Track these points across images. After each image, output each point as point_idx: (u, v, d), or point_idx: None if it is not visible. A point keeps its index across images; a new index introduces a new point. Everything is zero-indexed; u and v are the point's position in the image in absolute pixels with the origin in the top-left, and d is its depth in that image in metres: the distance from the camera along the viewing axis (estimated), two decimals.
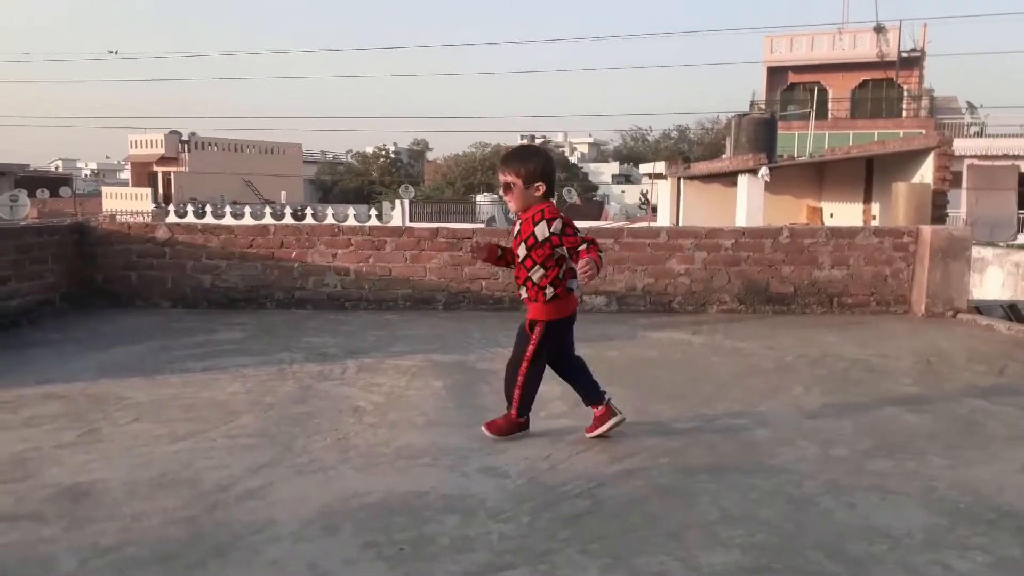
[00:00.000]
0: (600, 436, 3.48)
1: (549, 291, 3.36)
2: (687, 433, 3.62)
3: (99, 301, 6.96)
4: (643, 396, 4.23)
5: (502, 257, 3.55)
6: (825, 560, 2.42)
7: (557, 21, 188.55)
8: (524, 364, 3.43)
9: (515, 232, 3.44)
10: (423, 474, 3.10)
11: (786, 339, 5.83)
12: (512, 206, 3.41)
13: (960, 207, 22.63)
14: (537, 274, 3.35)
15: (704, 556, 2.44)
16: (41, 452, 3.29)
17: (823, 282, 7.04)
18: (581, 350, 5.47)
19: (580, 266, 3.16)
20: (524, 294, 3.43)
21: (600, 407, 3.52)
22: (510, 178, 3.35)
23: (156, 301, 7.03)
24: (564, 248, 3.30)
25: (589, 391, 3.56)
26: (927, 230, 7.09)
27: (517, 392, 3.47)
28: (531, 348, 3.41)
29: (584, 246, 3.25)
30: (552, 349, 3.48)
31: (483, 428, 3.51)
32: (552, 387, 4.38)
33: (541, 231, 3.30)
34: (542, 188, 3.36)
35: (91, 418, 3.76)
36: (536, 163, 3.38)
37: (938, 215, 12.55)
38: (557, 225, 3.29)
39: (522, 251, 3.37)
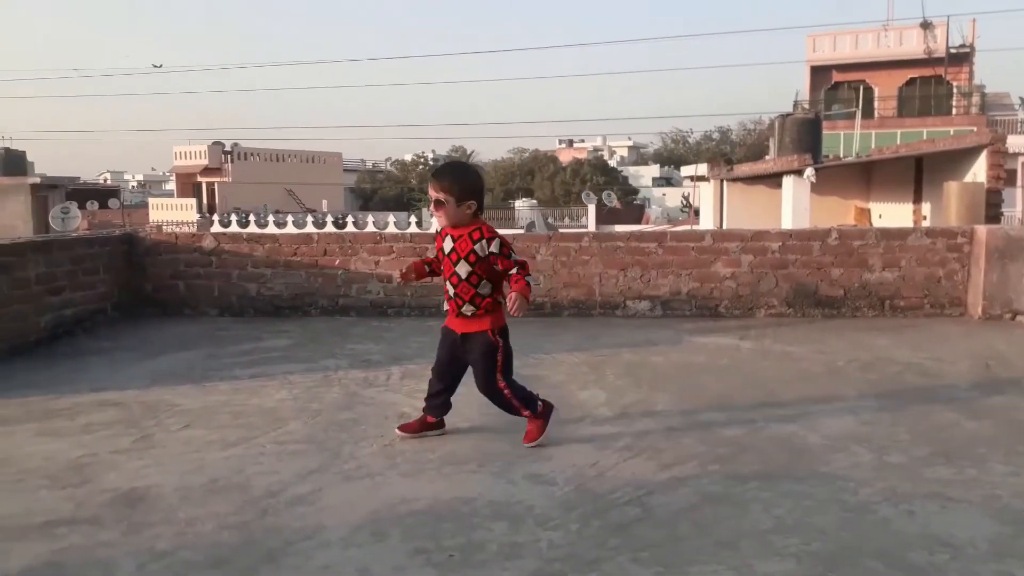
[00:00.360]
0: (410, 436, 3.59)
1: (495, 300, 3.44)
2: (737, 440, 3.56)
3: (148, 310, 7.12)
4: (691, 402, 4.17)
5: (431, 271, 3.62)
6: (885, 570, 2.35)
7: (595, 24, 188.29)
8: (499, 378, 3.46)
9: (447, 249, 3.42)
10: (469, 480, 3.09)
11: (837, 343, 5.70)
12: (442, 222, 3.41)
13: (1016, 206, 21.96)
14: (486, 288, 3.40)
15: (759, 565, 2.38)
16: (98, 458, 3.37)
17: (874, 284, 6.88)
18: (625, 355, 5.43)
19: (511, 302, 3.26)
20: (469, 311, 3.41)
21: (430, 417, 3.64)
22: (441, 196, 3.34)
23: (203, 309, 7.16)
24: (499, 267, 3.37)
25: (445, 403, 3.63)
26: (982, 230, 6.88)
27: (515, 402, 3.48)
28: (500, 358, 3.44)
29: (516, 270, 3.35)
30: (508, 350, 3.49)
31: (525, 444, 3.48)
32: (596, 393, 4.36)
33: (481, 248, 3.34)
34: (473, 206, 3.39)
35: (144, 425, 3.83)
36: (468, 180, 3.41)
37: (992, 214, 12.19)
38: (496, 245, 3.35)
39: (464, 269, 3.37)
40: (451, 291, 3.42)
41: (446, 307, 3.49)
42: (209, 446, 3.51)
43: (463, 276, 3.38)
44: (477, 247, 3.35)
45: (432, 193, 3.37)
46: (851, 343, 5.69)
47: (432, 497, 2.91)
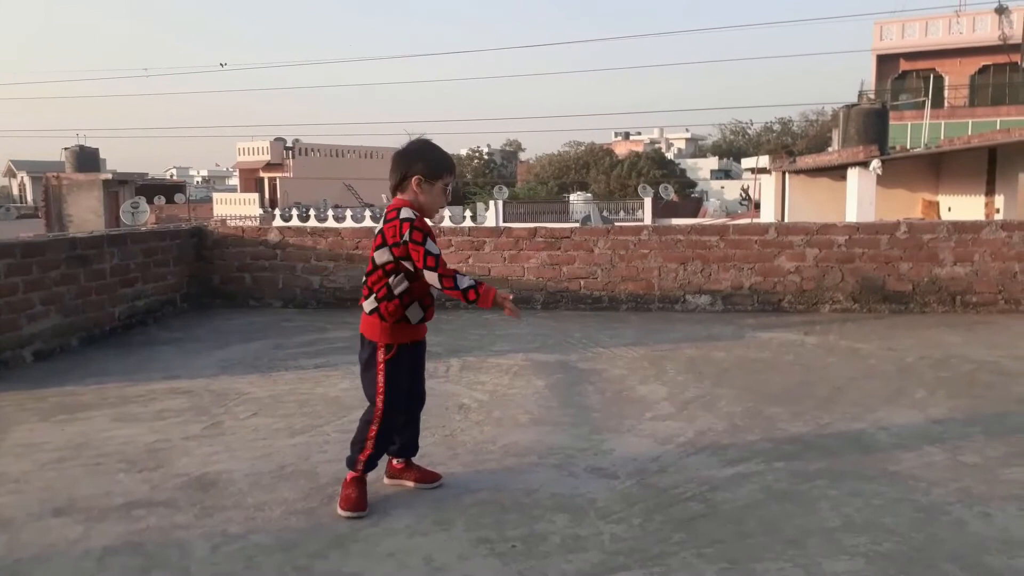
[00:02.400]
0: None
1: None
2: (802, 437, 3.49)
3: (216, 301, 7.32)
4: (755, 398, 4.10)
5: None
6: (961, 573, 2.28)
7: (652, 15, 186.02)
8: None
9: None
10: (531, 472, 3.10)
11: (906, 339, 5.53)
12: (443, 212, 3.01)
13: None
14: None
15: (827, 564, 2.34)
16: (171, 443, 3.49)
17: (945, 279, 6.65)
18: (686, 350, 5.39)
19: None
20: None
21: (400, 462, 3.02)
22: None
23: (268, 301, 7.33)
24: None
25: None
26: None
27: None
28: None
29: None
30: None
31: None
32: (656, 388, 4.33)
33: None
34: None
35: (214, 412, 3.95)
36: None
37: None
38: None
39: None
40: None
41: (424, 315, 2.89)
42: (276, 433, 3.60)
43: None
44: None
45: (450, 182, 2.91)
46: (921, 340, 5.52)
47: (494, 487, 2.93)
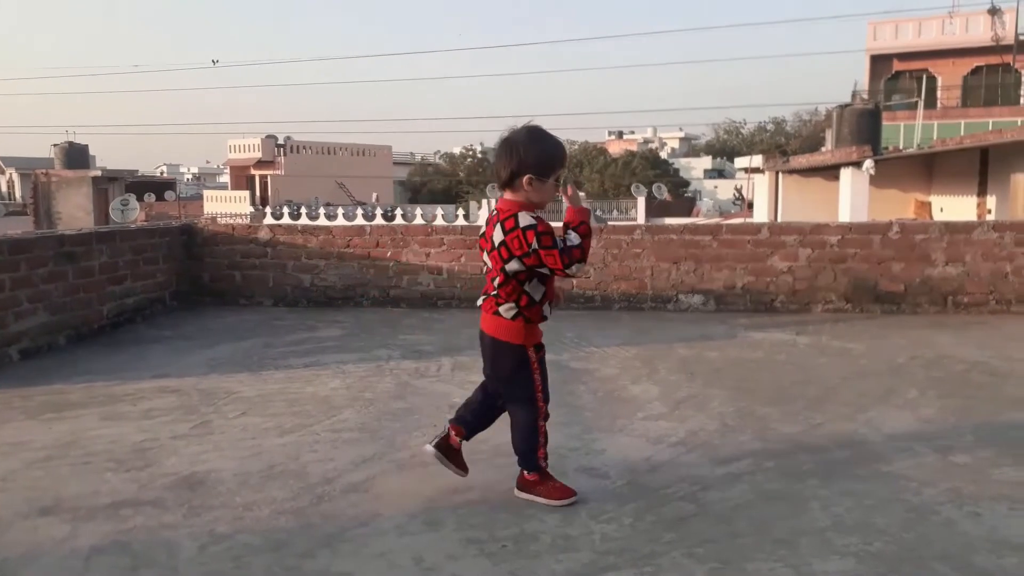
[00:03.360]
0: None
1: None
2: (794, 437, 3.49)
3: (205, 299, 7.29)
4: (747, 398, 4.10)
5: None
6: (951, 572, 2.28)
7: (644, 14, 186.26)
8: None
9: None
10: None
11: (898, 340, 5.54)
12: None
13: None
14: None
15: (818, 564, 2.33)
16: (159, 442, 3.46)
17: (936, 280, 6.67)
18: (679, 350, 5.38)
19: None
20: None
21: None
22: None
23: (259, 299, 7.30)
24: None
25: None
26: None
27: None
28: None
29: None
30: None
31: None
32: (649, 388, 4.32)
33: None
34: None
35: (203, 411, 3.92)
36: None
37: None
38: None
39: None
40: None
41: (549, 312, 2.81)
42: (265, 433, 3.57)
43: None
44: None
45: (562, 175, 2.75)
46: (912, 340, 5.53)
47: (485, 487, 2.92)
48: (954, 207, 16.60)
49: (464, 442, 2.94)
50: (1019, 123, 26.90)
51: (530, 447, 2.80)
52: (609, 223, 11.34)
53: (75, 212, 28.07)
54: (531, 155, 2.65)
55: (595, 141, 71.14)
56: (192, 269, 7.31)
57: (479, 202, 38.03)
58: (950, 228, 6.74)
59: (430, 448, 2.89)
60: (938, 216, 16.89)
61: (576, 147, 66.63)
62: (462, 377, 4.55)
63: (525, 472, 2.84)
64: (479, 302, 2.86)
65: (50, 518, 2.69)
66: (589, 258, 2.79)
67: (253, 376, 4.62)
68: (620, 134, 79.80)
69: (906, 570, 2.30)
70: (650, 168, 57.07)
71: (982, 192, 15.65)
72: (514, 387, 2.82)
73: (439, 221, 30.95)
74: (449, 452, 2.90)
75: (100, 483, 3.00)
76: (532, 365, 2.79)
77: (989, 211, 15.04)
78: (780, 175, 19.97)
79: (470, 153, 72.83)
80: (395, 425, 3.68)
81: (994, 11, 33.77)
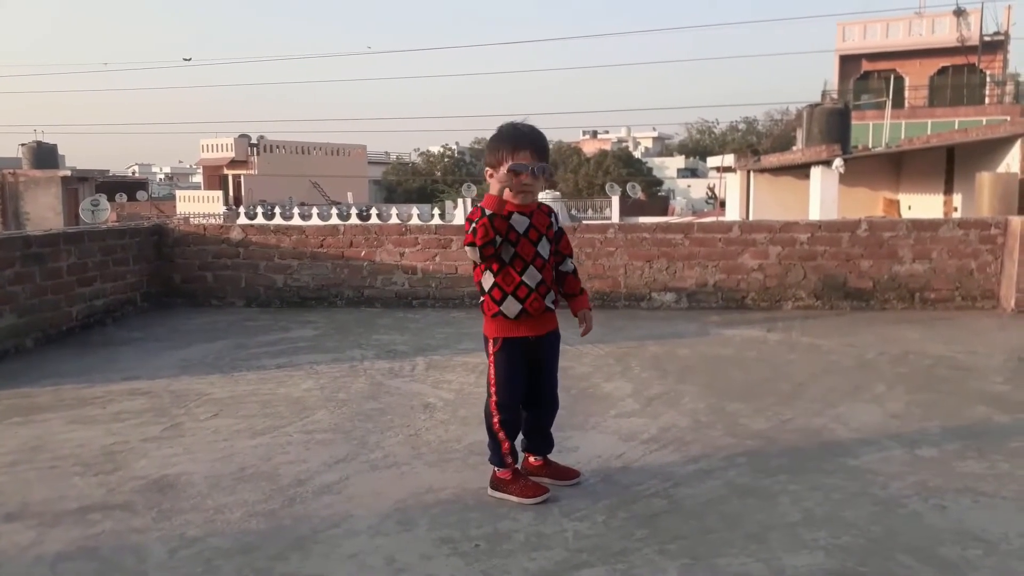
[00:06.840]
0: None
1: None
2: (764, 433, 3.53)
3: (177, 300, 7.21)
4: (718, 395, 4.14)
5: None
6: (917, 564, 2.32)
7: (616, 14, 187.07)
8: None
9: (525, 226, 2.76)
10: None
11: (866, 336, 5.63)
12: (531, 198, 2.78)
13: None
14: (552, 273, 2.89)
15: (788, 558, 2.36)
16: (129, 445, 3.42)
17: (904, 277, 6.77)
18: (651, 347, 5.41)
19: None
20: (549, 302, 2.87)
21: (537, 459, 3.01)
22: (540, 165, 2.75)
23: (231, 300, 7.23)
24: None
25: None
26: (1016, 221, 6.74)
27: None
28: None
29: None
30: None
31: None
32: (621, 385, 4.35)
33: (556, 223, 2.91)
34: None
35: (174, 413, 3.88)
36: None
37: None
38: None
39: (546, 249, 2.82)
40: (536, 278, 2.78)
41: (521, 306, 2.77)
42: (237, 435, 3.54)
43: (546, 259, 2.82)
44: (556, 221, 2.89)
45: (531, 160, 2.70)
46: (881, 336, 5.61)
47: (458, 487, 2.92)
48: (921, 205, 16.87)
49: (548, 457, 3.01)
50: (984, 122, 27.42)
51: (493, 441, 2.84)
52: (583, 222, 11.38)
53: (44, 213, 27.61)
54: (487, 150, 2.80)
55: (569, 141, 71.32)
56: (163, 270, 7.22)
57: (455, 201, 37.94)
58: (917, 226, 6.86)
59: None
60: (906, 214, 17.16)
61: (551, 147, 66.73)
62: (436, 376, 4.55)
63: (496, 470, 2.85)
64: None
65: (15, 524, 2.65)
66: None
67: (225, 377, 4.57)
68: (594, 133, 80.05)
69: (873, 563, 2.34)
70: (624, 167, 57.33)
71: (948, 190, 15.93)
72: (555, 374, 3.02)
73: (414, 220, 30.83)
74: (548, 471, 2.95)
75: (67, 488, 2.95)
76: (489, 357, 2.86)
77: (956, 209, 15.30)
78: (752, 174, 20.16)
79: (448, 153, 72.66)
80: (368, 425, 3.66)
81: (959, 12, 34.40)
